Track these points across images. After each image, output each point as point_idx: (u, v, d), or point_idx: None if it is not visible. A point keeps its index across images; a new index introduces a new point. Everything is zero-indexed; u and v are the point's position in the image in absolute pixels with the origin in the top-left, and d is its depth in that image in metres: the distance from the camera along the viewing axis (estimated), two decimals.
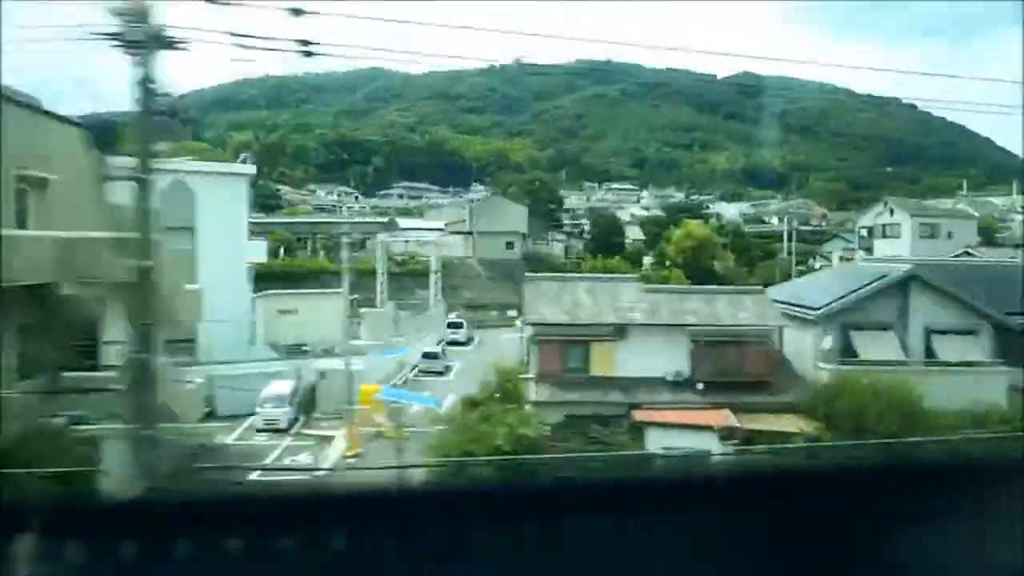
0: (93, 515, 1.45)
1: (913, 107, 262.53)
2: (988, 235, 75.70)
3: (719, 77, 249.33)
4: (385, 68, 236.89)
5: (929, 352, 26.48)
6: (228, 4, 12.67)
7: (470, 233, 67.32)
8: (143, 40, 11.28)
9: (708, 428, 21.66)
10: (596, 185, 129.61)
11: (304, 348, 35.70)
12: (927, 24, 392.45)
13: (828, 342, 25.59)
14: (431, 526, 1.50)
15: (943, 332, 26.65)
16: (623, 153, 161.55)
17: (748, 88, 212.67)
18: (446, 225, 63.11)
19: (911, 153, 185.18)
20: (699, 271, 59.69)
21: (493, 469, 17.20)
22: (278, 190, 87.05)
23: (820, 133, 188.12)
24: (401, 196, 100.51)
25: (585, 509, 1.59)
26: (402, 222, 60.76)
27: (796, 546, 1.74)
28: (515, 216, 71.99)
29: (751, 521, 1.70)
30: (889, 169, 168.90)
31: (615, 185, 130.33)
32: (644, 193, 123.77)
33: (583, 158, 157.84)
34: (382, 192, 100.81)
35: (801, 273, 55.35)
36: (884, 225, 66.53)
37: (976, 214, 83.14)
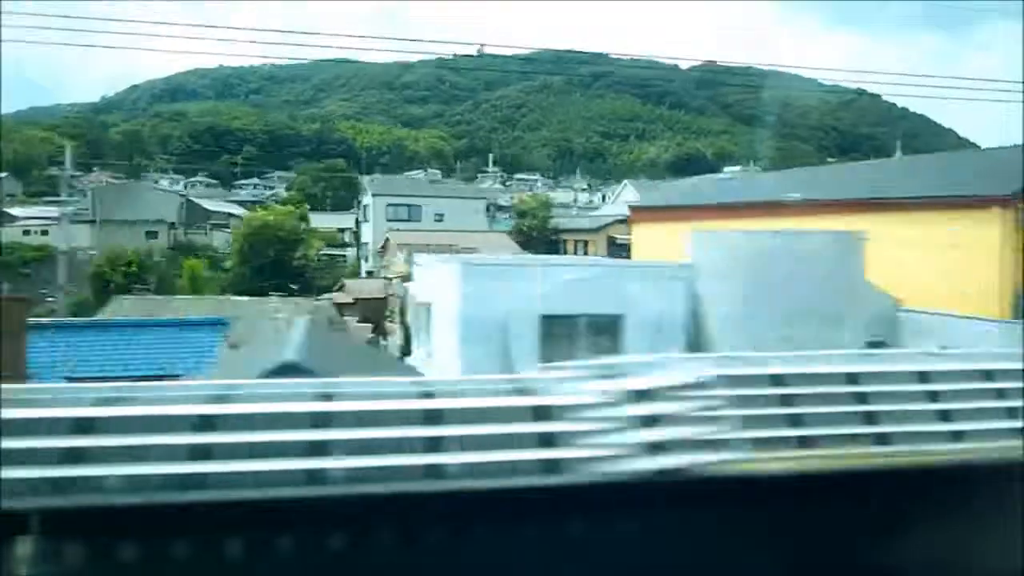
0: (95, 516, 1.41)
1: (876, 97, 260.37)
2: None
3: (684, 67, 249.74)
4: (357, 59, 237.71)
5: None
6: None
7: (93, 221, 60.98)
8: None
9: None
10: (501, 176, 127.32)
11: None
12: (926, 15, 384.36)
13: None
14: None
15: None
16: (552, 143, 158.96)
17: (704, 78, 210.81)
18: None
19: (859, 143, 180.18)
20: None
21: None
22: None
23: (769, 123, 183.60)
24: (256, 187, 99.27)
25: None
26: (16, 210, 57.30)
27: (793, 547, 1.75)
28: (160, 203, 67.35)
29: (750, 521, 1.70)
30: (831, 160, 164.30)
31: (522, 175, 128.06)
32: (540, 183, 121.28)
33: (512, 148, 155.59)
34: (239, 183, 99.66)
35: None
36: None
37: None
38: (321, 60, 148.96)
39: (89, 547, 1.45)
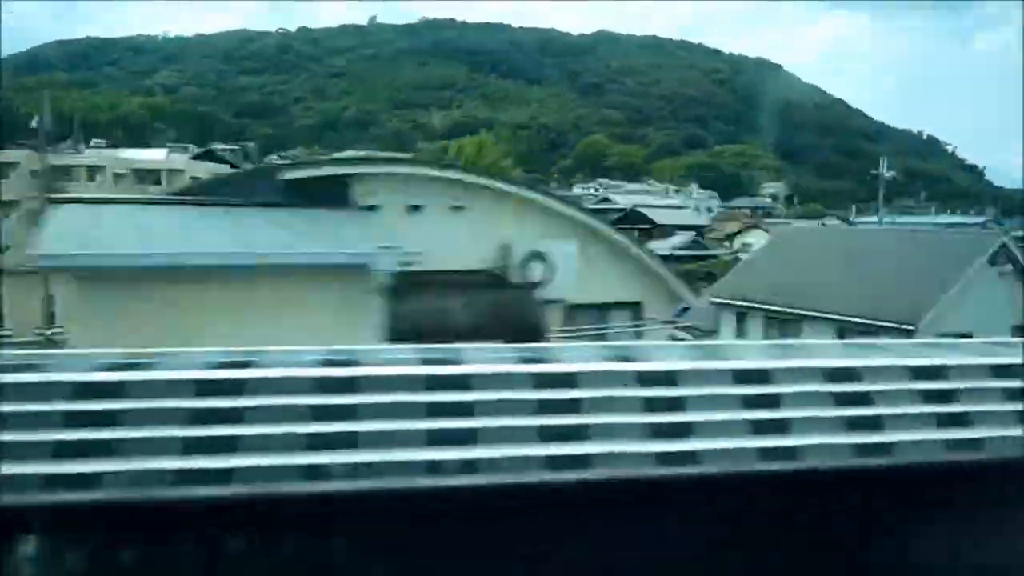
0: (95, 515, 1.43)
1: (778, 68, 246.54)
2: None
3: (576, 34, 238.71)
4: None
5: None
6: None
7: None
8: None
9: None
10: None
11: None
12: None
13: None
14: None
15: None
16: (333, 112, 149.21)
17: (548, 46, 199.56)
18: None
19: (717, 115, 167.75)
20: None
21: None
22: None
23: (611, 92, 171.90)
24: None
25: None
26: None
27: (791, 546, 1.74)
28: None
29: (748, 520, 1.70)
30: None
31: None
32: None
33: (300, 120, 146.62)
34: None
35: None
36: None
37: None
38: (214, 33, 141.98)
39: (93, 545, 1.46)
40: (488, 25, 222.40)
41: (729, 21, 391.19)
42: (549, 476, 1.60)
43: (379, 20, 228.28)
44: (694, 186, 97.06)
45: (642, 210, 63.75)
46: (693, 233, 61.02)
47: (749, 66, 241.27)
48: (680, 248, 51.78)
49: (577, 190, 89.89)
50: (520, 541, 1.63)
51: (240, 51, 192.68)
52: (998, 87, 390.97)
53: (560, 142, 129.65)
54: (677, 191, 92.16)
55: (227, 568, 1.53)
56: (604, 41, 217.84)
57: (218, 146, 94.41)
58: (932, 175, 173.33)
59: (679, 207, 73.61)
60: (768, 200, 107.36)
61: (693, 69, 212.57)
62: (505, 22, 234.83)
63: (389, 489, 1.50)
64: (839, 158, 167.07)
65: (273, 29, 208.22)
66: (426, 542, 1.52)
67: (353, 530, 1.57)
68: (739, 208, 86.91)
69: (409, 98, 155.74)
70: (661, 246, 42.54)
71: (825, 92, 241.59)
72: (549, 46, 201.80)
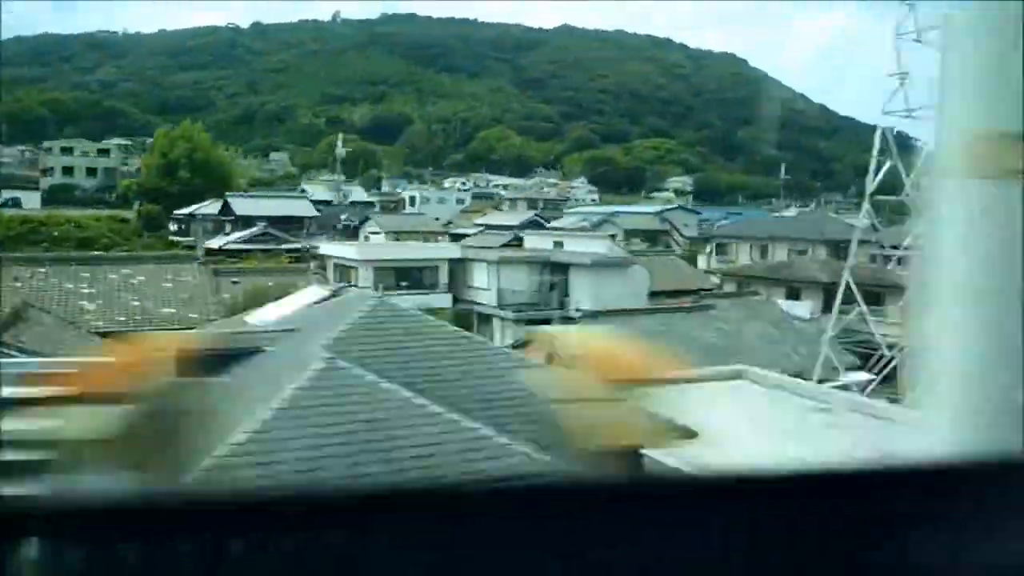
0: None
1: (743, 63, 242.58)
2: None
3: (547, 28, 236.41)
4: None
5: None
6: None
7: None
8: None
9: None
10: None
11: None
12: None
13: None
14: None
15: None
16: (254, 107, 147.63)
17: (502, 42, 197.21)
18: None
19: (657, 110, 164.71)
20: None
21: None
22: None
23: (552, 87, 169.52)
24: None
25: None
26: None
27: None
28: None
29: (744, 524, 1.59)
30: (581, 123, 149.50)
31: None
32: None
33: (221, 114, 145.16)
34: None
35: None
36: None
37: None
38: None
39: (93, 549, 1.30)
40: (451, 20, 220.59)
41: (718, 20, 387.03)
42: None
43: (344, 16, 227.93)
44: (582, 180, 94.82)
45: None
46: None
47: (713, 61, 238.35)
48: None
49: (448, 183, 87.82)
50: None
51: (187, 47, 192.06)
52: None
53: (473, 136, 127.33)
54: (554, 184, 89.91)
55: (230, 570, 1.32)
56: (563, 35, 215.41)
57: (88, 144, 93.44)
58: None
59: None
60: (669, 194, 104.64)
61: (652, 63, 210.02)
62: (472, 17, 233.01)
63: (392, 489, 1.48)
64: (785, 153, 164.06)
65: (223, 24, 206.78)
66: (428, 544, 1.32)
67: (356, 530, 1.33)
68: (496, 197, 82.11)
69: (343, 92, 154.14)
70: None
71: (785, 87, 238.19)
72: (504, 41, 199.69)
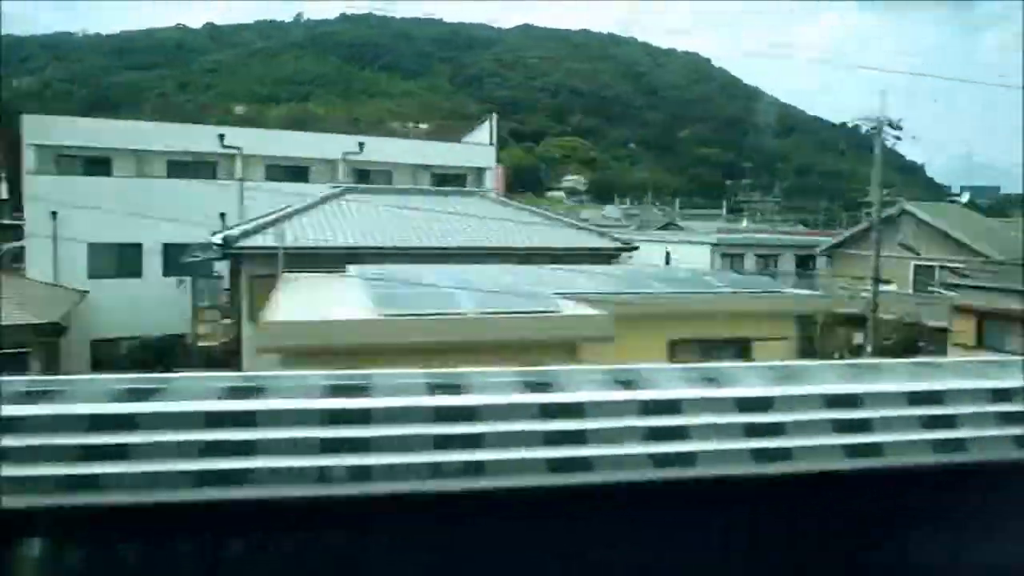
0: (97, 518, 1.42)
1: (707, 62, 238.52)
2: None
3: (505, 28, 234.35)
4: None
5: None
6: None
7: None
8: None
9: None
10: None
11: None
12: None
13: None
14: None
15: None
16: (174, 106, 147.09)
17: (444, 39, 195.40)
18: None
19: (593, 108, 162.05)
20: None
21: None
22: None
23: (489, 86, 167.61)
24: None
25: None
26: None
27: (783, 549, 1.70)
28: None
29: (752, 522, 1.66)
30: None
31: None
32: None
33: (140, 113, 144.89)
34: None
35: None
36: None
37: None
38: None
39: (95, 548, 1.42)
40: (408, 20, 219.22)
41: (712, 22, 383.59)
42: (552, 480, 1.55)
43: (308, 17, 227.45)
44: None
45: None
46: None
47: (674, 61, 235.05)
48: None
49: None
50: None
51: (137, 47, 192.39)
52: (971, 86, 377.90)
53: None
54: None
55: (228, 571, 1.46)
56: (518, 35, 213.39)
57: None
58: (830, 172, 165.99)
59: None
60: (560, 194, 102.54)
61: (606, 62, 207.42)
62: (436, 16, 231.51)
63: (390, 495, 1.45)
64: (727, 152, 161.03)
65: (173, 24, 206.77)
66: (422, 555, 1.46)
67: (355, 536, 1.52)
68: None
69: (267, 92, 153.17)
70: None
71: (747, 85, 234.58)
72: (456, 40, 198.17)
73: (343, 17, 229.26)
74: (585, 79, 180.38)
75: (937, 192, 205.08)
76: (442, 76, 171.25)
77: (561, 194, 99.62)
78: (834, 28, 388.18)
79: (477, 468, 1.56)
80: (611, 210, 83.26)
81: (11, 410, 1.53)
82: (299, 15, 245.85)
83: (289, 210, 24.88)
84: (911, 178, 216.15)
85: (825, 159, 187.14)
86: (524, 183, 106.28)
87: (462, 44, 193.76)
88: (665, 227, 67.88)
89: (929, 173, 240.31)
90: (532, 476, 1.54)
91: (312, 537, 1.43)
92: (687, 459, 1.65)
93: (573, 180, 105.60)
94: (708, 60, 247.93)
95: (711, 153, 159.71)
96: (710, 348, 14.38)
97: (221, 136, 39.00)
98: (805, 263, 52.56)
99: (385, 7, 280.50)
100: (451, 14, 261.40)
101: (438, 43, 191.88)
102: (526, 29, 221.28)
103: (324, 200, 27.08)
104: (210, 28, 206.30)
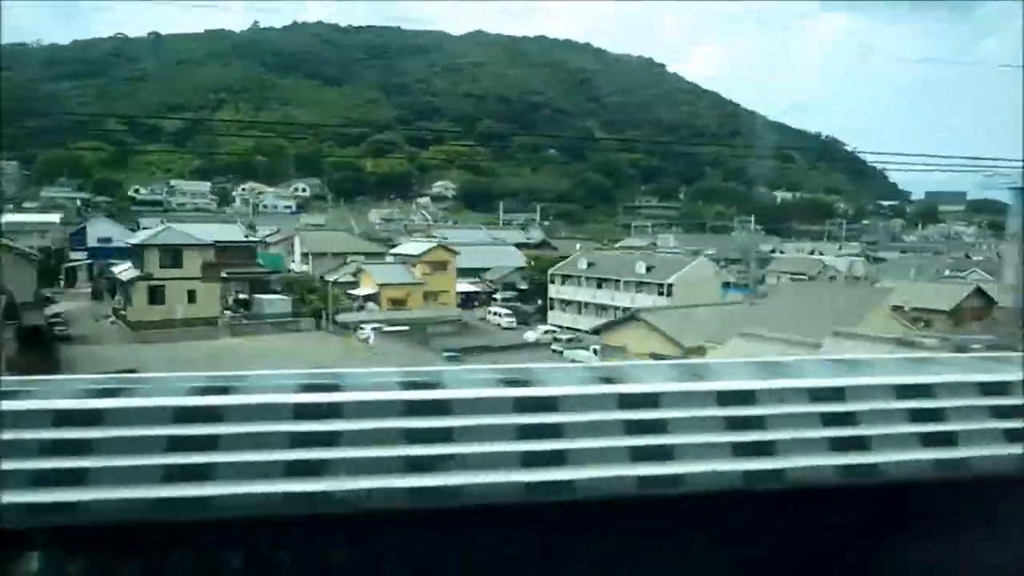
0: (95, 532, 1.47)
1: (662, 67, 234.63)
2: None
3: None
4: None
5: None
6: None
7: None
8: None
9: None
10: None
11: None
12: None
13: None
14: None
15: None
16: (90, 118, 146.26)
17: (378, 45, 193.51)
18: None
19: (517, 116, 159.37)
20: None
21: None
22: None
23: (415, 92, 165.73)
24: None
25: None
26: None
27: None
28: None
29: (746, 531, 1.72)
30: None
31: None
32: None
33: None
34: None
35: None
36: None
37: None
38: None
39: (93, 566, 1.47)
40: (354, 28, 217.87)
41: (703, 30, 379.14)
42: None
43: (261, 25, 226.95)
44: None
45: None
46: None
47: (627, 66, 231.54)
48: None
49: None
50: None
51: (77, 57, 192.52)
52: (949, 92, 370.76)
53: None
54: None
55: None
56: (466, 42, 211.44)
57: None
58: (763, 177, 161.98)
59: None
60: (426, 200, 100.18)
61: (551, 69, 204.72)
62: (390, 24, 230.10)
63: (378, 510, 1.49)
64: (651, 157, 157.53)
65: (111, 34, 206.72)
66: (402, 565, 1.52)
67: (348, 547, 1.57)
68: None
69: (181, 101, 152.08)
70: None
71: (705, 91, 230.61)
72: (393, 47, 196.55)
73: (294, 25, 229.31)
74: (516, 85, 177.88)
75: (898, 198, 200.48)
76: (370, 83, 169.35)
77: (427, 200, 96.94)
78: (813, 33, 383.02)
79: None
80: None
81: None
82: (255, 23, 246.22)
83: None
84: (870, 183, 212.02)
85: (768, 164, 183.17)
86: (395, 190, 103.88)
87: (400, 51, 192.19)
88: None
89: (892, 179, 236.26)
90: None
91: (305, 554, 1.50)
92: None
93: (441, 186, 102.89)
94: (662, 66, 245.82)
95: (637, 159, 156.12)
96: None
97: None
98: None
99: (340, 14, 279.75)
100: (396, 20, 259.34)
101: (374, 50, 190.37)
102: (475, 35, 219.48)
103: None
104: (154, 37, 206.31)
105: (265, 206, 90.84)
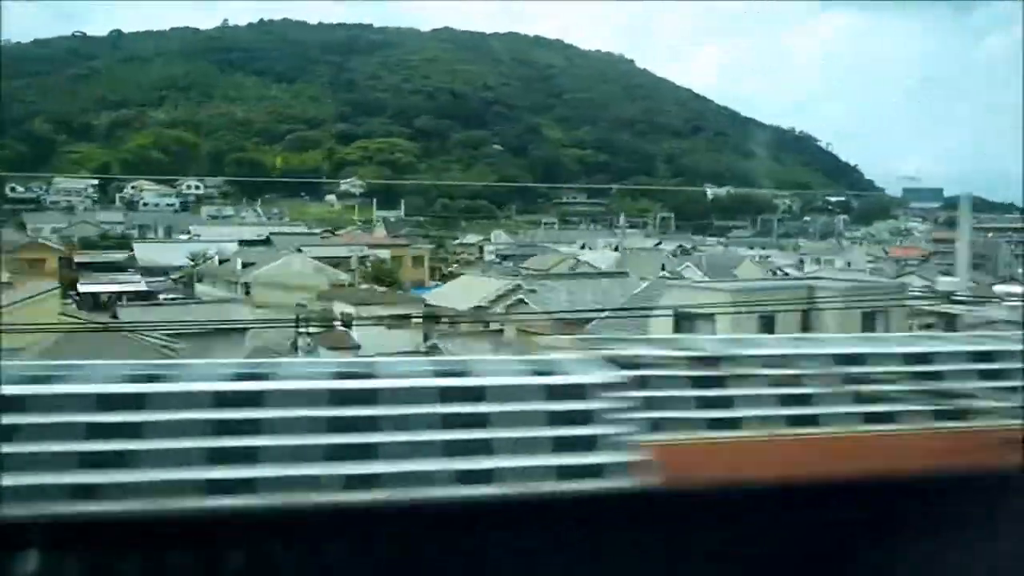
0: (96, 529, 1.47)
1: (630, 63, 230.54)
2: None
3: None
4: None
5: None
6: None
7: None
8: None
9: None
10: None
11: None
12: None
13: None
14: None
15: None
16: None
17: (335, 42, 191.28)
18: None
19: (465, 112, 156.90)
20: None
21: None
22: None
23: (363, 89, 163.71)
24: None
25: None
26: None
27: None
28: None
29: (740, 535, 1.86)
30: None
31: None
32: None
33: None
34: None
35: None
36: None
37: None
38: None
39: (92, 557, 1.48)
40: (337, 25, 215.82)
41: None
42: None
43: (232, 23, 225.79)
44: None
45: None
46: None
47: (594, 62, 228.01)
48: None
49: None
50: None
51: (32, 55, 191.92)
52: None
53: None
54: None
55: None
56: (430, 38, 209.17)
57: None
58: (715, 173, 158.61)
59: None
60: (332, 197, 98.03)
61: (520, 66, 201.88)
62: (367, 22, 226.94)
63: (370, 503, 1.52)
64: (600, 153, 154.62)
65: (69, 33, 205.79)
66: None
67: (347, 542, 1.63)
68: None
69: (119, 99, 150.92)
70: None
71: (679, 87, 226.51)
72: (355, 43, 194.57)
73: (260, 23, 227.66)
74: (471, 81, 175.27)
75: (866, 192, 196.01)
76: (322, 79, 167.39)
77: (332, 197, 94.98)
78: (802, 30, 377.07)
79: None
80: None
81: None
82: (225, 21, 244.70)
83: None
84: (842, 179, 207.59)
85: (727, 160, 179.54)
86: (306, 187, 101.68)
87: (361, 48, 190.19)
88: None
89: (868, 175, 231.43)
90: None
91: (308, 548, 1.35)
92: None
93: (349, 183, 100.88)
94: (631, 61, 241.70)
95: (584, 154, 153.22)
96: None
97: None
98: None
99: (306, 13, 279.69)
100: (357, 17, 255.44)
101: (334, 47, 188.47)
102: (442, 32, 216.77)
103: None
104: (115, 35, 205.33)
105: (145, 204, 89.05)
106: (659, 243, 75.07)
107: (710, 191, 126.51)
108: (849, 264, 62.42)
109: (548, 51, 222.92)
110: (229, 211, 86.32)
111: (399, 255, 57.73)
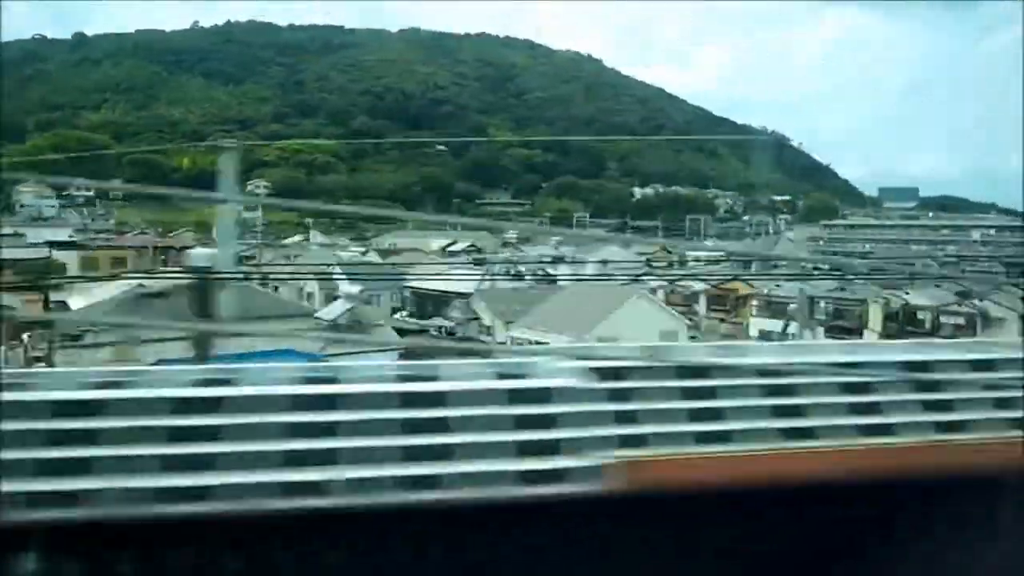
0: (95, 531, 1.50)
1: (598, 62, 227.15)
2: None
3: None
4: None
5: None
6: None
7: None
8: None
9: None
10: None
11: None
12: None
13: None
14: None
15: None
16: None
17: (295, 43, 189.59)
18: None
19: (413, 112, 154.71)
20: None
21: None
22: None
23: (308, 90, 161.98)
24: None
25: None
26: None
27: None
28: None
29: (737, 531, 1.89)
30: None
31: None
32: None
33: None
34: None
35: None
36: None
37: None
38: None
39: (91, 560, 1.52)
40: (303, 27, 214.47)
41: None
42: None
43: (201, 24, 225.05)
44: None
45: None
46: None
47: (560, 61, 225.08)
48: None
49: None
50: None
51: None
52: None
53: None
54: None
55: None
56: (393, 38, 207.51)
57: None
58: (666, 173, 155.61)
59: None
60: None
61: (484, 66, 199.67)
62: (338, 23, 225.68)
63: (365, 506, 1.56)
64: (548, 153, 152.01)
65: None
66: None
67: (345, 545, 1.70)
68: None
69: (63, 100, 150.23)
70: None
71: (649, 85, 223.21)
72: (312, 44, 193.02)
73: (229, 24, 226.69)
74: (424, 82, 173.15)
75: (840, 192, 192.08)
76: (271, 81, 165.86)
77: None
78: (795, 30, 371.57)
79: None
80: None
81: None
82: (195, 23, 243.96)
83: None
84: (815, 179, 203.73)
85: (688, 160, 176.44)
86: (212, 188, 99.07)
87: (318, 49, 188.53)
88: None
89: (844, 175, 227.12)
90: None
91: (301, 552, 1.37)
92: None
93: (253, 185, 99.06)
94: (600, 61, 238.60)
95: (532, 155, 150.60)
96: None
97: None
98: None
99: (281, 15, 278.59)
100: (335, 20, 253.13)
101: (290, 48, 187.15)
102: (408, 33, 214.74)
103: None
104: (78, 37, 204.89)
105: (23, 205, 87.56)
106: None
107: (638, 191, 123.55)
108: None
109: (514, 51, 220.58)
110: (51, 212, 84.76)
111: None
